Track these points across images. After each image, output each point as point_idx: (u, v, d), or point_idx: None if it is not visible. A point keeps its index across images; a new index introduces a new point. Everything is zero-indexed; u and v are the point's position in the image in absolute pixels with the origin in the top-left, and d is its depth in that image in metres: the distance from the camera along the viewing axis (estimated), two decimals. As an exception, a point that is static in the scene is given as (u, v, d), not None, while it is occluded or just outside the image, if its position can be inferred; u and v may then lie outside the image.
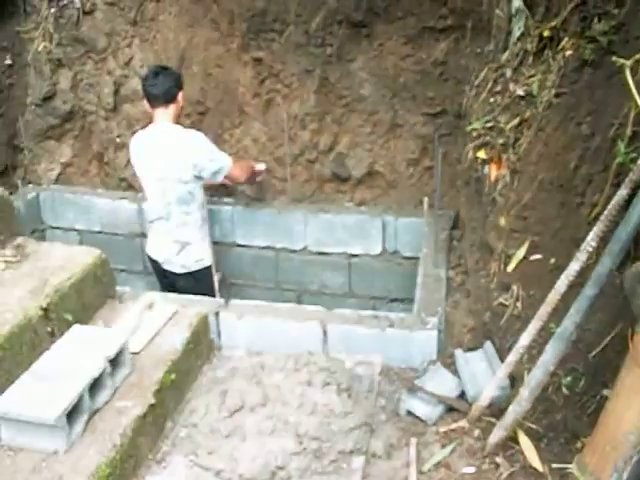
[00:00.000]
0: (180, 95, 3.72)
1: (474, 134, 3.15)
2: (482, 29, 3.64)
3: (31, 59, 4.53)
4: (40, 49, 4.48)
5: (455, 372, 2.75)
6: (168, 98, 3.67)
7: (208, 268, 3.75)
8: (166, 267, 3.88)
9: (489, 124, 3.06)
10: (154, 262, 3.95)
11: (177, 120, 3.76)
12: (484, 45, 3.59)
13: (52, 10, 4.41)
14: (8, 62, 4.48)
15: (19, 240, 2.76)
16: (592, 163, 2.39)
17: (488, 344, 2.77)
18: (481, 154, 3.08)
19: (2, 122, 4.50)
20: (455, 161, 3.83)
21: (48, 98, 4.57)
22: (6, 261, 2.60)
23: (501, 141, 2.93)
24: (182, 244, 3.79)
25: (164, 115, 3.68)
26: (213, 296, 3.31)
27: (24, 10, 4.47)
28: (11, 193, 3.91)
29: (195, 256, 3.82)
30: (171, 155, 3.62)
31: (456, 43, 3.84)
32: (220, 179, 3.79)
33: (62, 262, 2.62)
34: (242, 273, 4.48)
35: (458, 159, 3.71)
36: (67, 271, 2.55)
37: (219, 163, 3.70)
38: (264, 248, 4.39)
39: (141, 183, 3.86)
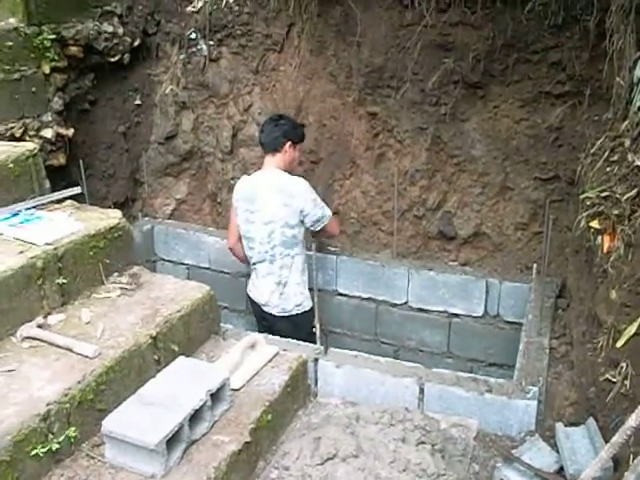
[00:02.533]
0: (288, 145, 3.85)
1: (588, 203, 3.08)
2: (601, 96, 3.61)
3: (158, 100, 4.83)
4: (167, 91, 4.77)
5: (554, 446, 2.66)
6: (274, 147, 3.83)
7: (307, 313, 3.82)
8: (266, 309, 3.96)
9: (604, 194, 2.99)
10: (254, 303, 4.04)
11: (287, 169, 3.89)
12: (602, 113, 3.55)
13: (181, 56, 4.71)
14: (137, 102, 4.80)
15: (135, 269, 2.92)
16: None
17: (591, 420, 2.66)
18: (594, 224, 3.00)
19: (127, 157, 4.79)
20: (565, 228, 3.76)
21: (170, 137, 4.85)
22: (122, 288, 2.76)
23: (616, 212, 2.85)
24: (283, 287, 3.88)
25: (272, 162, 3.84)
26: (310, 341, 3.36)
27: (156, 55, 4.78)
28: (129, 223, 4.16)
29: (295, 300, 3.90)
30: (280, 200, 3.75)
31: (573, 109, 3.81)
32: (318, 228, 3.90)
33: (173, 294, 2.74)
34: (341, 322, 4.51)
35: (568, 226, 3.64)
36: (177, 304, 2.67)
37: (322, 212, 3.84)
38: (365, 299, 4.41)
39: (241, 225, 3.94)
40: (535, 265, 3.11)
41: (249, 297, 4.09)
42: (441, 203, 4.20)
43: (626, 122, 3.13)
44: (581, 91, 3.74)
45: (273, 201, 3.76)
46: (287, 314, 3.91)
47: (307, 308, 3.89)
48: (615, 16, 3.31)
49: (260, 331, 3.96)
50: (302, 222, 3.81)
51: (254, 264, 3.97)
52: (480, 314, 4.13)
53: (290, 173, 3.87)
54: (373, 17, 4.08)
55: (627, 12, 3.25)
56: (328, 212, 3.90)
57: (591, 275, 3.05)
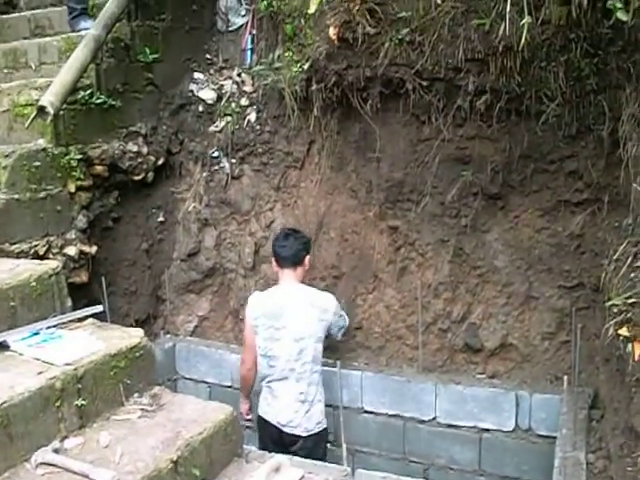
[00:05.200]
0: (307, 259, 3.90)
1: (614, 310, 3.02)
2: (619, 202, 3.62)
3: (181, 217, 4.91)
4: (190, 209, 4.87)
5: None
6: (296, 261, 3.85)
7: (325, 430, 3.71)
8: (287, 430, 3.79)
9: (631, 300, 2.94)
10: (270, 426, 3.86)
11: (303, 281, 3.92)
12: (622, 219, 3.54)
13: (204, 174, 4.83)
14: (161, 219, 4.88)
15: (156, 389, 2.87)
16: None
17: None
18: (623, 331, 2.93)
19: (149, 274, 4.83)
20: (593, 336, 3.67)
21: (193, 254, 4.90)
22: (142, 409, 2.70)
23: (645, 318, 2.80)
24: (309, 404, 3.78)
25: (292, 276, 3.85)
26: (324, 461, 3.23)
27: (179, 173, 4.91)
28: (150, 341, 4.14)
29: (317, 417, 3.80)
30: (314, 314, 3.74)
31: (593, 216, 3.82)
32: (340, 336, 3.92)
33: (195, 416, 2.67)
34: (368, 441, 4.36)
35: (597, 334, 3.56)
36: (199, 425, 2.60)
37: (344, 320, 3.92)
38: (392, 416, 4.27)
39: (262, 344, 3.85)
40: (566, 377, 3.03)
41: (262, 419, 3.92)
42: (466, 315, 4.15)
43: (646, 227, 3.12)
44: (599, 198, 3.75)
45: (307, 316, 3.73)
46: (309, 433, 3.79)
47: (325, 425, 3.80)
48: (627, 125, 3.39)
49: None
50: (327, 336, 3.81)
51: (270, 382, 3.86)
52: (511, 428, 3.97)
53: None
54: (391, 133, 4.19)
55: (638, 121, 3.32)
56: (347, 320, 4.03)
57: (624, 384, 2.95)
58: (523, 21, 2.91)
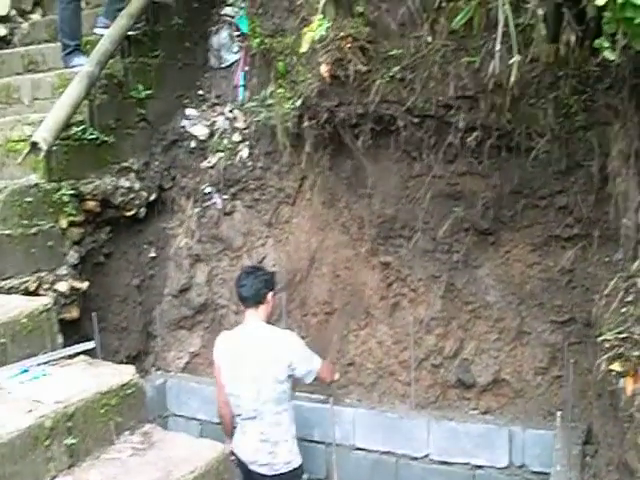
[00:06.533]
0: (270, 296, 3.81)
1: (606, 345, 3.03)
2: (609, 238, 3.65)
3: (172, 253, 4.90)
4: (182, 245, 4.86)
5: None
6: (258, 299, 3.76)
7: (297, 470, 3.66)
8: (252, 468, 3.75)
9: (622, 335, 2.95)
10: (240, 462, 3.83)
11: (269, 319, 3.85)
12: (612, 254, 3.57)
13: (196, 210, 4.84)
14: (152, 255, 4.87)
15: (146, 427, 2.83)
16: None
17: None
18: (615, 367, 2.93)
19: (140, 310, 4.80)
20: (586, 371, 3.67)
21: (184, 290, 4.87)
22: (133, 447, 2.66)
23: (636, 353, 2.79)
24: (272, 444, 3.70)
25: (254, 315, 3.77)
26: None
27: (171, 209, 4.91)
28: (141, 377, 4.09)
29: (284, 457, 3.72)
30: (268, 355, 3.64)
31: (583, 251, 3.83)
32: (309, 380, 3.79)
33: (186, 454, 2.64)
34: (360, 478, 4.31)
35: (589, 369, 3.55)
36: (190, 464, 2.56)
37: (312, 364, 3.75)
38: (384, 453, 4.23)
39: (225, 383, 3.81)
40: (559, 413, 3.02)
41: (235, 455, 3.85)
42: (458, 351, 4.14)
43: (637, 262, 3.14)
44: (590, 233, 3.78)
45: (264, 357, 3.65)
46: (276, 473, 3.71)
47: (297, 465, 3.72)
48: (616, 161, 3.43)
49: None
50: (290, 376, 3.70)
51: (240, 419, 3.81)
52: (505, 465, 3.94)
53: (268, 320, 3.86)
54: (383, 169, 4.22)
55: (627, 157, 3.37)
56: (317, 362, 3.80)
57: (617, 420, 2.94)
58: (512, 59, 2.96)
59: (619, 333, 2.97)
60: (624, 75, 3.25)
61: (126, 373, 2.83)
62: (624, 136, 3.35)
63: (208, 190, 4.79)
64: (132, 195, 4.50)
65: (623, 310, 3.05)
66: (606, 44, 2.39)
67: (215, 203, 4.79)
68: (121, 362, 4.20)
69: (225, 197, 4.75)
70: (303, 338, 4.43)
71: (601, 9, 2.22)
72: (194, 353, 4.94)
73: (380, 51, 3.85)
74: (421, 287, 4.20)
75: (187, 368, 4.95)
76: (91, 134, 4.20)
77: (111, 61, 4.35)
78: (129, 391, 2.76)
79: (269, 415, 3.69)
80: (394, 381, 4.30)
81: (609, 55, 2.42)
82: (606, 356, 3.01)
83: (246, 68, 4.86)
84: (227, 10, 5.05)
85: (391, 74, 3.83)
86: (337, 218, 4.44)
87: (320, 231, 4.50)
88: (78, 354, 3.01)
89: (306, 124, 4.17)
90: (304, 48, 3.58)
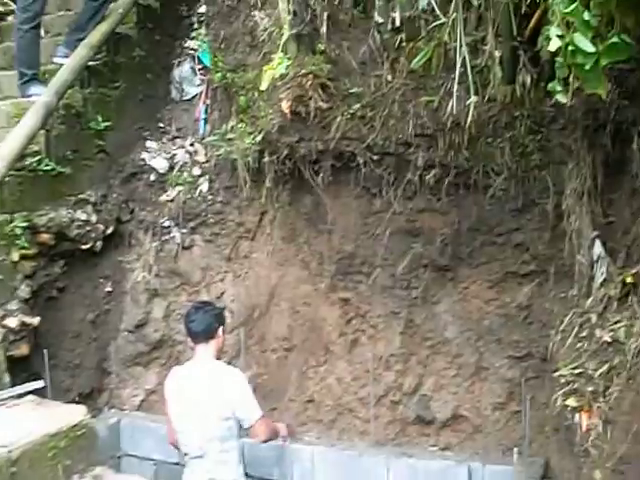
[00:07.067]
0: (220, 330, 3.74)
1: (562, 380, 3.07)
2: (565, 274, 3.69)
3: (129, 288, 4.79)
4: (139, 279, 4.76)
5: None
6: (208, 335, 3.69)
7: None
8: None
9: (577, 370, 2.99)
10: None
11: (219, 355, 3.78)
12: (567, 290, 3.62)
13: (154, 244, 4.76)
14: (108, 289, 4.75)
15: (97, 470, 2.77)
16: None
17: None
18: (570, 402, 2.97)
19: (95, 346, 4.67)
20: (543, 406, 3.68)
21: (141, 325, 4.77)
22: (84, 492, 2.59)
23: (591, 389, 2.83)
24: None
25: (204, 351, 3.69)
26: None
27: (129, 242, 4.82)
28: (93, 416, 3.98)
29: None
30: (213, 392, 3.57)
31: (540, 287, 3.88)
32: (245, 426, 3.63)
33: (138, 498, 2.58)
34: (319, 517, 4.25)
35: (546, 404, 3.57)
36: (142, 508, 2.51)
37: (250, 412, 3.60)
38: (344, 491, 4.19)
39: (173, 420, 3.75)
40: (516, 449, 3.03)
41: None
42: (417, 387, 4.13)
43: (591, 298, 3.21)
44: (546, 270, 3.82)
45: (210, 394, 3.57)
46: None
47: None
48: (570, 199, 3.51)
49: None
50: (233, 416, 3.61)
51: (187, 457, 3.71)
52: (465, 501, 3.93)
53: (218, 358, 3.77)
54: (343, 205, 4.23)
55: (580, 195, 3.45)
56: (257, 413, 3.62)
57: (573, 454, 2.97)
58: (470, 100, 3.01)
59: (574, 368, 3.01)
60: (577, 116, 3.34)
61: (77, 413, 2.76)
62: (577, 175, 3.44)
63: (167, 224, 4.74)
64: (88, 228, 4.42)
65: (578, 345, 3.10)
66: (559, 88, 2.44)
67: (174, 237, 4.73)
68: (73, 401, 4.08)
69: (184, 231, 4.70)
70: (262, 375, 4.41)
71: (554, 54, 2.27)
72: (150, 390, 4.82)
73: (341, 88, 3.88)
74: (380, 323, 4.19)
75: (142, 406, 4.83)
76: (47, 165, 4.14)
77: (70, 91, 4.31)
78: (79, 432, 2.68)
79: (215, 453, 3.59)
80: (353, 418, 4.27)
81: (561, 99, 2.48)
82: (562, 391, 3.06)
83: (208, 102, 4.86)
84: (190, 43, 5.07)
85: (351, 111, 3.86)
86: (297, 253, 4.43)
87: (280, 266, 4.48)
88: (27, 393, 2.92)
89: (267, 159, 4.17)
90: (264, 86, 3.61)
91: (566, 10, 2.10)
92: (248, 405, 3.61)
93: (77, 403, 3.89)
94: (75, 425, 2.67)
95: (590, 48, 2.09)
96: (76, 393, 4.45)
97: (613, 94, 3.09)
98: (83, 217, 4.37)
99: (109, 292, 4.77)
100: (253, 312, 4.52)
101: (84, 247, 4.43)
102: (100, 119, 4.58)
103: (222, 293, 4.63)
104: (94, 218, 4.47)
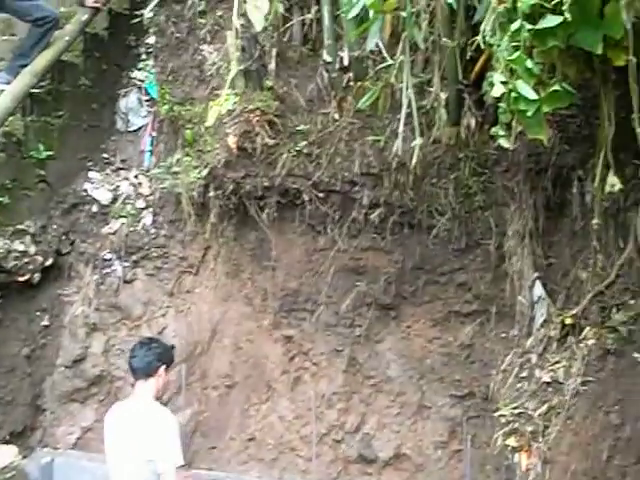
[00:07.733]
0: (162, 370, 3.66)
1: (502, 420, 3.10)
2: (506, 314, 3.77)
3: (67, 322, 4.64)
4: (78, 313, 4.62)
5: None
6: (148, 372, 3.62)
7: None
8: None
9: (517, 410, 3.02)
10: None
11: (158, 395, 3.70)
12: (509, 329, 3.69)
13: (94, 277, 4.63)
14: (45, 323, 4.60)
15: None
16: (625, 454, 2.33)
17: None
18: (511, 441, 3.00)
19: (29, 381, 4.50)
20: (484, 445, 3.72)
21: (78, 361, 4.61)
22: (11, 539, 2.47)
23: (530, 428, 2.87)
24: None
25: (144, 388, 3.62)
26: None
27: (68, 275, 4.69)
28: (24, 457, 3.84)
29: None
30: (141, 433, 3.47)
31: (481, 327, 3.93)
32: (159, 469, 3.44)
33: None
34: None
35: (487, 443, 3.61)
36: None
37: (167, 457, 3.44)
38: (285, 534, 4.12)
39: (107, 457, 3.65)
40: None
41: None
42: (360, 425, 4.11)
43: (531, 338, 3.27)
44: (487, 309, 3.88)
45: (136, 435, 3.48)
46: None
47: None
48: (512, 240, 3.59)
49: None
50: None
51: None
52: None
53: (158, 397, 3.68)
54: (287, 242, 4.23)
55: (522, 237, 3.53)
56: (172, 461, 3.44)
57: (513, 494, 2.98)
58: (415, 141, 3.06)
59: (514, 408, 3.05)
60: (519, 160, 3.43)
61: (6, 454, 2.64)
62: (519, 217, 3.52)
63: (108, 256, 4.63)
64: (26, 259, 4.29)
65: (518, 385, 3.14)
66: (502, 132, 2.51)
67: (115, 270, 4.63)
68: (3, 439, 3.91)
69: (126, 264, 4.60)
70: (203, 412, 4.32)
71: (498, 99, 2.33)
72: (86, 428, 4.65)
73: (288, 125, 3.91)
74: (323, 361, 4.18)
75: (78, 444, 4.64)
76: (-16, 194, 4.04)
77: (11, 119, 4.22)
78: (9, 475, 2.58)
79: None
80: (295, 457, 4.22)
81: (504, 143, 2.55)
82: (502, 431, 3.09)
83: (153, 134, 4.82)
84: (137, 74, 5.03)
85: (298, 148, 3.89)
86: (240, 289, 4.39)
87: (223, 302, 4.43)
88: (-46, 433, 2.79)
89: (212, 194, 4.15)
90: (210, 122, 3.60)
91: (510, 57, 2.17)
92: (168, 449, 3.45)
93: (8, 442, 3.75)
94: (4, 467, 2.57)
95: (532, 95, 2.15)
96: (7, 431, 4.24)
97: (554, 139, 3.20)
98: (21, 248, 4.25)
99: (46, 326, 4.61)
100: (195, 348, 4.44)
101: (21, 279, 4.30)
102: (42, 148, 4.48)
103: (164, 328, 4.53)
104: (32, 249, 4.34)
